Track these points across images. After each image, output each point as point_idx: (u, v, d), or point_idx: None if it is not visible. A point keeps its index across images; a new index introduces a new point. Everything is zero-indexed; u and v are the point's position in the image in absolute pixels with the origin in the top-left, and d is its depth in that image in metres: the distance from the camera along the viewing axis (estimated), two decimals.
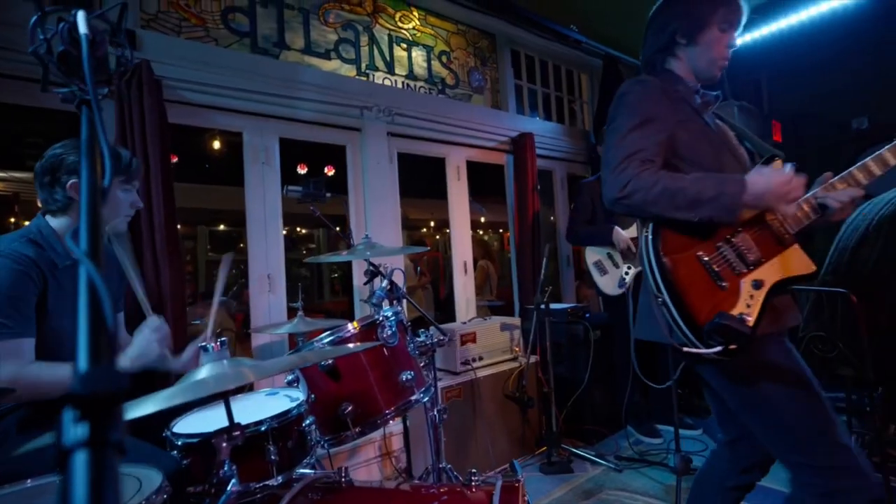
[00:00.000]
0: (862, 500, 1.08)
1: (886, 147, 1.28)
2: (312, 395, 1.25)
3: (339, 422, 1.20)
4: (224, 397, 0.99)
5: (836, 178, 1.22)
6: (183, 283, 2.10)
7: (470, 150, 3.38)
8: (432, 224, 9.68)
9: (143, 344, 1.25)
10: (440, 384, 2.41)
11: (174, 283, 1.99)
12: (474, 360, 2.58)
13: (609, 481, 2.45)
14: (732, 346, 1.08)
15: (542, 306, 2.71)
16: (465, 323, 2.76)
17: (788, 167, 1.14)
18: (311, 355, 1.11)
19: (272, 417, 1.23)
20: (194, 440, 1.15)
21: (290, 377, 1.31)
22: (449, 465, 1.71)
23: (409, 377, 1.28)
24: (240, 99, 2.39)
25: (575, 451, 2.69)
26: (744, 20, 1.28)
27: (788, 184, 1.09)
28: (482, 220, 9.08)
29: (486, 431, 2.52)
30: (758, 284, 1.14)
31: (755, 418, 1.21)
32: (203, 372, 0.90)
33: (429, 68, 3.26)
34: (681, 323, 1.12)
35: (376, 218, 2.80)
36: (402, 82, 3.11)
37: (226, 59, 2.35)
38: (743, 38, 3.95)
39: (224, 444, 0.94)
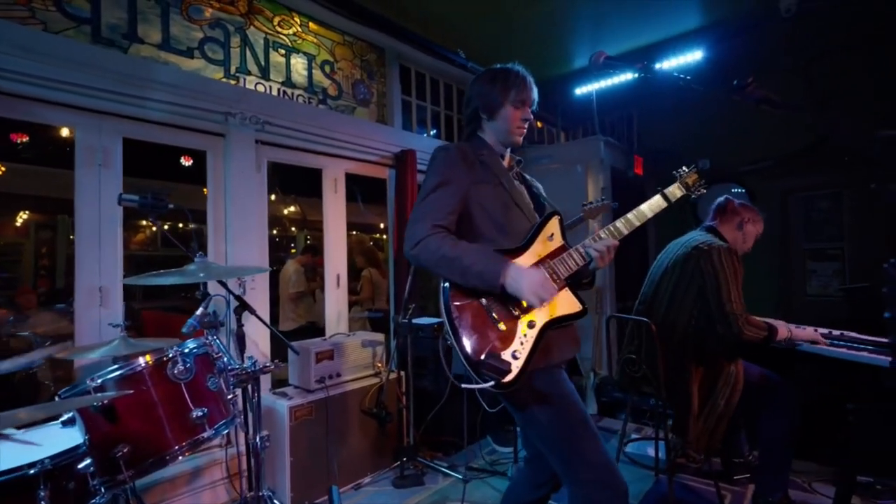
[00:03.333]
0: None
1: (645, 203, 1.52)
2: (87, 437, 1.17)
3: (113, 464, 1.14)
4: None
5: (602, 229, 1.42)
6: None
7: (350, 162, 3.37)
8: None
9: None
10: (290, 403, 2.38)
11: None
12: (331, 377, 2.58)
13: (455, 493, 2.58)
14: (505, 381, 1.22)
15: (406, 321, 2.79)
16: (325, 339, 2.74)
17: (541, 271, 1.31)
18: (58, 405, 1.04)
19: (48, 458, 1.14)
20: None
21: (65, 417, 1.22)
22: (269, 493, 1.69)
23: (201, 414, 1.25)
24: (73, 93, 2.16)
25: (428, 463, 2.79)
26: (535, 97, 1.49)
27: (541, 285, 1.23)
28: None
29: (338, 449, 2.53)
30: (531, 325, 1.31)
31: (534, 438, 1.42)
32: None
33: (309, 77, 3.20)
34: (464, 361, 1.26)
35: (239, 230, 2.68)
36: (278, 89, 3.02)
37: (56, 47, 2.12)
38: (619, 78, 4.38)
39: None
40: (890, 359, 1.74)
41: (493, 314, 1.29)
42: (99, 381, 1.16)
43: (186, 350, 1.31)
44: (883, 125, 3.76)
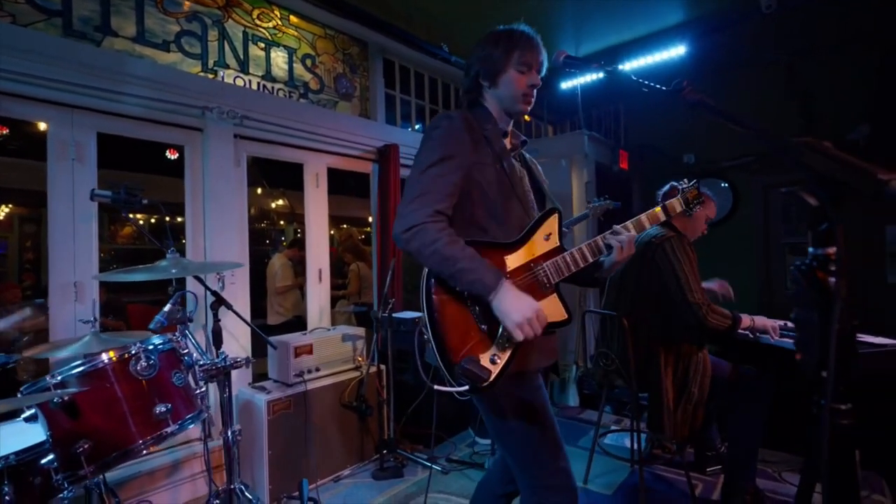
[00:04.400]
0: None
1: (644, 213, 1.41)
2: (49, 433, 1.18)
3: (74, 459, 1.15)
4: None
5: (622, 224, 1.36)
6: None
7: (331, 157, 3.36)
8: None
9: None
10: (268, 397, 2.39)
11: None
12: (310, 371, 2.59)
13: (434, 485, 2.61)
14: (481, 386, 1.15)
15: (385, 315, 2.81)
16: (305, 334, 2.76)
17: (536, 306, 1.16)
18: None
19: (12, 454, 1.15)
20: None
21: (27, 413, 1.23)
22: (241, 486, 1.71)
23: (165, 409, 1.26)
24: (44, 87, 2.14)
25: (408, 455, 2.83)
26: (543, 60, 1.35)
27: (529, 315, 1.12)
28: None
29: (317, 442, 2.56)
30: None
31: (499, 442, 1.39)
32: None
33: (290, 71, 3.18)
34: (439, 360, 1.18)
35: (217, 225, 2.68)
36: (258, 83, 3.00)
37: (25, 39, 2.09)
38: (618, 68, 4.39)
39: None
40: None
41: (477, 312, 1.20)
42: (59, 377, 1.17)
43: (150, 347, 1.32)
44: (863, 121, 3.77)
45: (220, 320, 2.19)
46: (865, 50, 3.73)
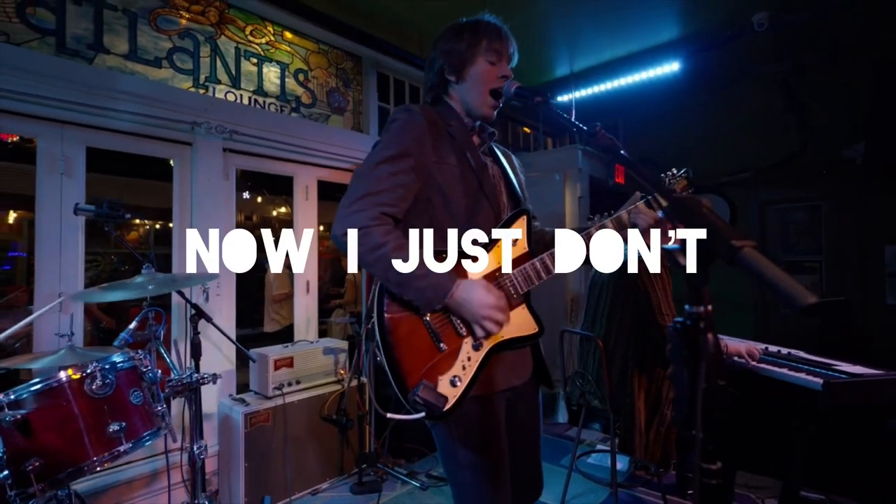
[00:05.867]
0: None
1: (624, 209, 1.31)
2: (3, 450, 1.21)
3: (24, 477, 1.18)
4: None
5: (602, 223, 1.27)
6: None
7: (322, 170, 3.40)
8: (321, 227, 9.51)
9: None
10: (246, 410, 2.42)
11: None
12: (289, 384, 2.62)
13: (412, 500, 2.61)
14: (438, 413, 1.07)
15: (369, 328, 2.82)
16: (287, 346, 2.78)
17: (495, 293, 1.10)
18: None
19: None
20: None
21: None
22: (205, 501, 1.73)
23: (118, 428, 1.29)
24: (35, 104, 2.21)
25: (388, 470, 2.83)
26: (513, 52, 1.25)
27: (492, 309, 1.07)
28: None
29: (296, 455, 2.57)
30: (477, 346, 1.13)
31: (445, 471, 1.26)
32: None
33: (282, 85, 3.23)
34: (394, 386, 1.09)
35: (205, 237, 2.72)
36: (249, 98, 3.06)
37: (18, 58, 2.16)
38: (606, 86, 4.40)
39: None
40: (821, 380, 1.75)
41: (435, 331, 1.11)
42: (13, 395, 1.20)
43: (108, 366, 1.35)
44: (858, 137, 3.71)
45: (199, 332, 2.23)
46: (858, 65, 3.69)
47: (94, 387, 1.28)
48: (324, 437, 2.73)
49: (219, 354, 2.75)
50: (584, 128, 0.96)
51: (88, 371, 1.30)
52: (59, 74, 2.25)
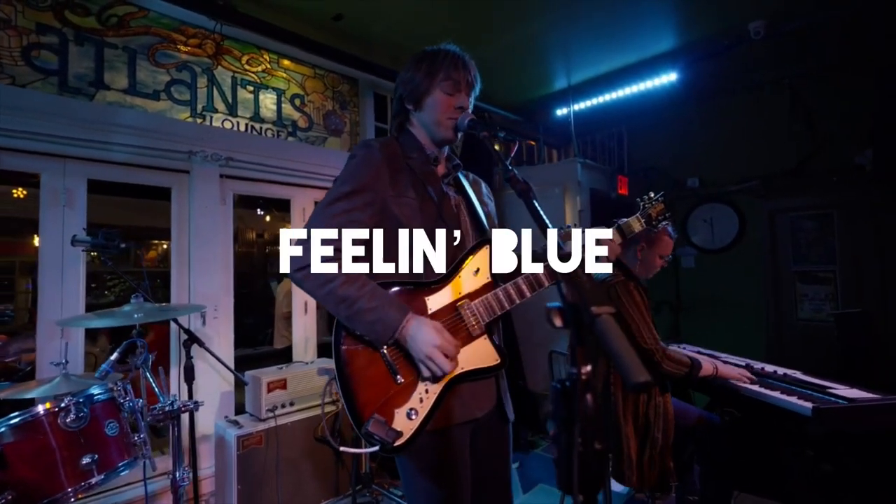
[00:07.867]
0: None
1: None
2: None
3: None
4: None
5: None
6: None
7: (318, 192, 3.47)
8: None
9: None
10: (238, 432, 2.46)
11: None
12: (283, 405, 2.65)
13: None
14: (394, 446, 1.08)
15: None
16: (281, 368, 2.82)
17: (439, 336, 1.10)
18: None
19: None
20: None
21: None
22: None
23: (90, 460, 1.33)
24: (39, 141, 2.33)
25: (383, 491, 2.83)
26: (474, 81, 1.27)
27: (437, 350, 1.07)
28: None
29: (290, 477, 2.60)
30: (436, 378, 1.13)
31: (406, 501, 1.26)
32: None
33: (278, 111, 3.32)
34: (349, 416, 1.12)
35: (202, 262, 2.81)
36: (246, 124, 3.15)
37: (23, 99, 2.29)
38: (611, 95, 4.36)
39: None
40: (811, 405, 1.69)
41: (392, 363, 1.12)
42: (10, 422, 1.26)
43: (82, 399, 1.40)
44: (867, 145, 3.59)
45: (192, 357, 2.29)
46: (862, 71, 3.58)
47: (67, 420, 1.33)
48: (319, 458, 2.75)
49: (217, 377, 2.81)
50: (510, 168, 0.96)
51: (63, 405, 1.36)
52: (61, 112, 2.37)
